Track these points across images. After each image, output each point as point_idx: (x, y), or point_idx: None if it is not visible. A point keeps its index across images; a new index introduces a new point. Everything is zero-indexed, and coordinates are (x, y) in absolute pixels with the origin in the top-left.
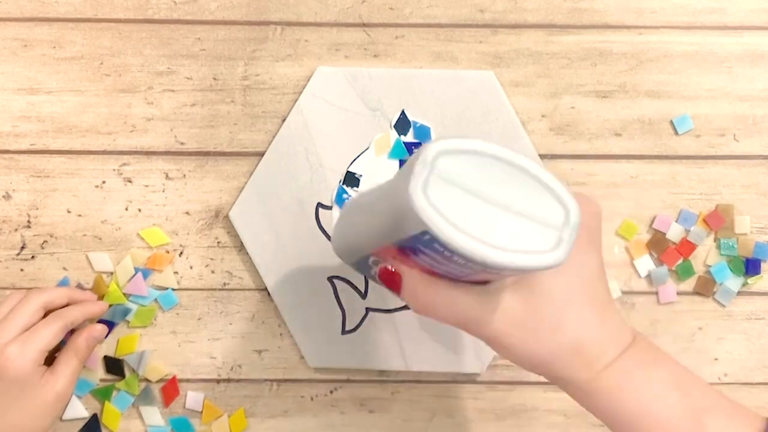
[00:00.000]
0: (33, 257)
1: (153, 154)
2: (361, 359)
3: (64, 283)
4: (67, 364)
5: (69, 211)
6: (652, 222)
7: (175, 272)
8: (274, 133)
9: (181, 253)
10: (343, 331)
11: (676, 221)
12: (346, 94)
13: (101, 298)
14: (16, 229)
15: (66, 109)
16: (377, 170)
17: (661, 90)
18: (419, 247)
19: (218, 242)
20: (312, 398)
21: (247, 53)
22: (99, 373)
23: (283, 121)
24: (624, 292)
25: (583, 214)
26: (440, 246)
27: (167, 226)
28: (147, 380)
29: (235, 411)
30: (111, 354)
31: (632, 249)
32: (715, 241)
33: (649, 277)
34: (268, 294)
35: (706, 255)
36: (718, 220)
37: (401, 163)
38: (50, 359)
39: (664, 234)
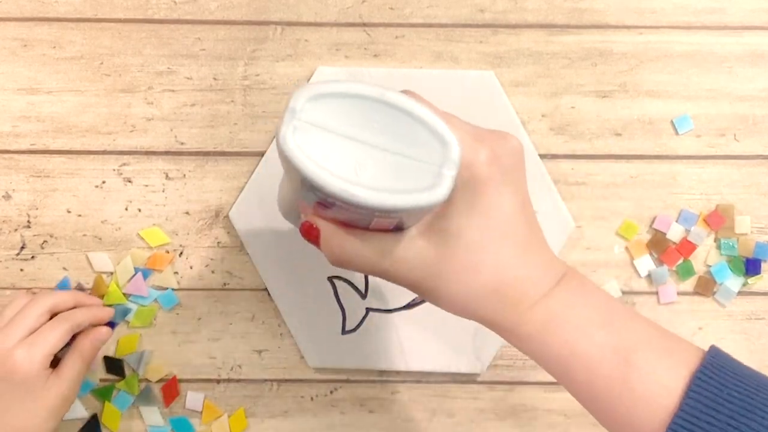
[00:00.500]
0: (33, 257)
1: (153, 154)
2: (361, 359)
3: (64, 283)
4: (72, 367)
5: (69, 211)
6: (653, 222)
7: (175, 272)
8: (274, 133)
9: (181, 253)
10: (343, 331)
11: (676, 221)
12: None
13: (101, 298)
14: (16, 229)
15: (66, 109)
16: None
17: (662, 90)
18: (312, 196)
19: (218, 242)
20: (312, 398)
21: (248, 53)
22: (99, 373)
23: None
24: (624, 292)
25: (498, 151)
26: (321, 192)
27: (167, 226)
28: (147, 380)
29: (235, 411)
30: (111, 354)
31: (632, 249)
32: (715, 241)
33: (649, 277)
34: (268, 294)
35: (707, 255)
36: (718, 220)
37: None
38: (55, 361)
39: (665, 234)
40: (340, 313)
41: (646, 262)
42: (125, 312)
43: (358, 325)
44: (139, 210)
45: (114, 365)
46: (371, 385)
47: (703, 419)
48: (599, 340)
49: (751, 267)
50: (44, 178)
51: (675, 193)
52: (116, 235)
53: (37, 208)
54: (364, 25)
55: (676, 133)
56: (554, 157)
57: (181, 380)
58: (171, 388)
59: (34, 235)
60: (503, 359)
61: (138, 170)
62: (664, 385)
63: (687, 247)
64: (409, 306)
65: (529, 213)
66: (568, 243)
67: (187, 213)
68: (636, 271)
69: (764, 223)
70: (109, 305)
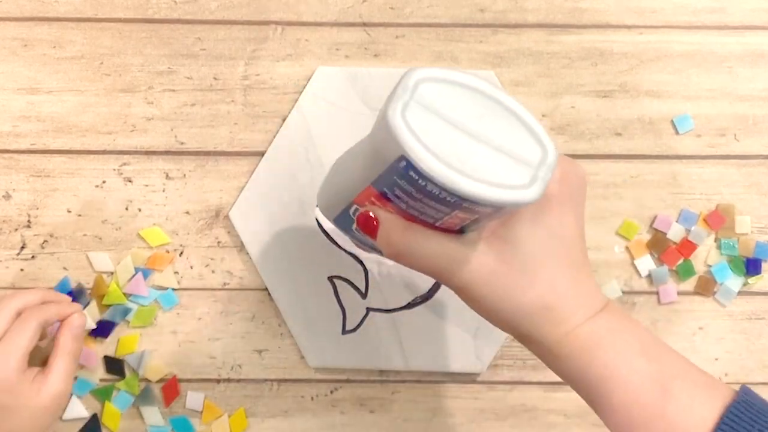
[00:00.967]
0: (33, 257)
1: (153, 153)
2: (361, 359)
3: (64, 282)
4: (58, 364)
5: (69, 211)
6: (653, 222)
7: (175, 272)
8: (274, 133)
9: (181, 253)
10: (344, 331)
11: (676, 221)
12: (347, 93)
13: (101, 298)
14: (16, 229)
15: (66, 108)
16: None
17: (662, 90)
18: (396, 181)
19: (218, 242)
20: (312, 398)
21: (248, 53)
22: (99, 373)
23: (284, 120)
24: (624, 292)
25: (569, 173)
26: (416, 174)
27: (167, 226)
28: (147, 380)
29: (236, 411)
30: (111, 354)
31: (633, 249)
32: (715, 240)
33: (649, 276)
34: (268, 294)
35: (707, 255)
36: (718, 220)
37: None
38: (45, 360)
39: (665, 234)
40: (341, 313)
41: (646, 262)
42: (125, 312)
43: (359, 325)
44: (140, 210)
45: (114, 365)
46: (371, 385)
47: None
48: (639, 367)
49: (751, 267)
50: (44, 177)
51: (675, 193)
52: (116, 235)
53: (37, 208)
54: (365, 24)
55: (677, 132)
56: None
57: (181, 380)
58: (171, 388)
59: (35, 235)
60: (503, 359)
61: (138, 170)
62: (701, 416)
63: (687, 246)
64: (409, 306)
65: (584, 239)
66: None
67: (187, 213)
68: (636, 270)
69: (764, 222)
70: (109, 305)
